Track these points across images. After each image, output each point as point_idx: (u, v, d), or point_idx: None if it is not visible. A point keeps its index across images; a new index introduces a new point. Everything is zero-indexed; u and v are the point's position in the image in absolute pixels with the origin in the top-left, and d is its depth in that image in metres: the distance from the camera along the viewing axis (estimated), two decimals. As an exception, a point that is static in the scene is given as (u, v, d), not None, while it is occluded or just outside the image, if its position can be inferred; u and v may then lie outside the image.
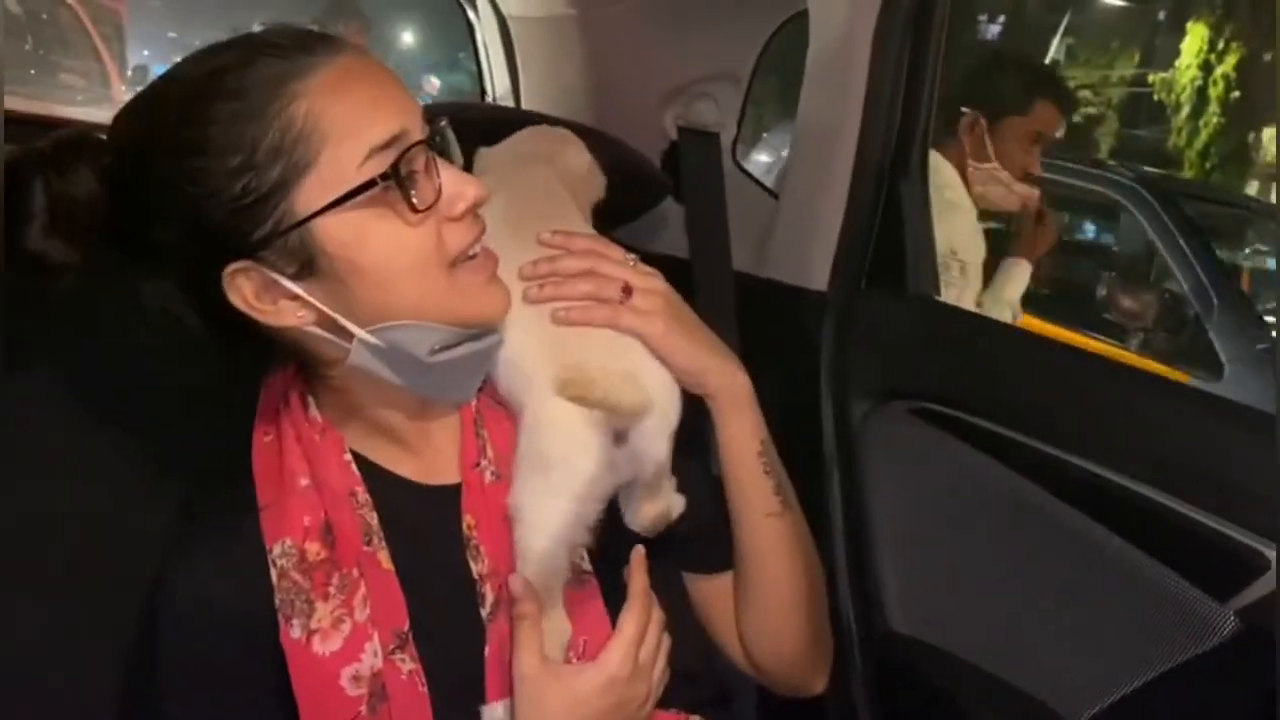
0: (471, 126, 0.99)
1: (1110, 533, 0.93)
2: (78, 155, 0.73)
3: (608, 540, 0.84)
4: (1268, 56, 14.64)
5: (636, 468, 0.83)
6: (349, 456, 0.82)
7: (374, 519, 0.81)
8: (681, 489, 0.90)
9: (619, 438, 0.81)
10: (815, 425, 1.23)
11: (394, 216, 0.72)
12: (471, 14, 1.73)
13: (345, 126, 0.70)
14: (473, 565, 0.82)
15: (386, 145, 0.71)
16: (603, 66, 1.51)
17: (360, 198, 0.70)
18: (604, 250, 0.87)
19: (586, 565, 0.84)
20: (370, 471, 0.83)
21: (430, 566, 0.82)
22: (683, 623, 0.93)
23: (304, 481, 0.81)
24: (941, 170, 1.96)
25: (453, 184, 0.75)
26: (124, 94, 4.99)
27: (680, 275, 0.93)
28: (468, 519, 0.83)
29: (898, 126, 1.20)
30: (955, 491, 1.09)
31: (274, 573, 0.78)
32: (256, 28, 0.77)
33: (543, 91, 1.64)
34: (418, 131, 0.74)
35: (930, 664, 1.10)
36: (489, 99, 1.74)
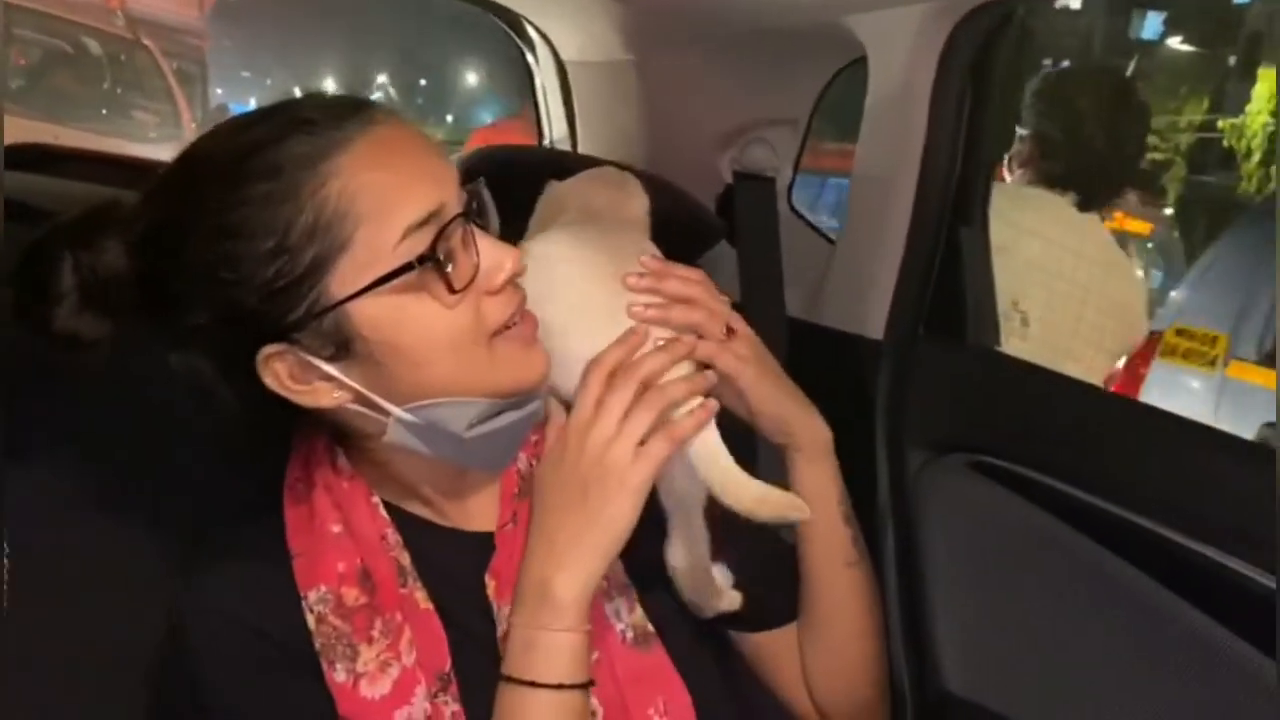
0: (529, 170, 1.00)
1: (1181, 600, 0.89)
2: (106, 229, 0.72)
3: (674, 614, 0.85)
4: (1343, 103, 14.35)
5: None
6: (377, 500, 0.81)
7: (405, 559, 0.80)
8: (751, 547, 0.90)
9: None
10: (869, 476, 1.20)
11: (431, 297, 0.70)
12: (531, 59, 1.75)
13: (380, 205, 0.68)
14: (498, 620, 0.81)
15: (423, 223, 0.69)
16: (660, 111, 1.51)
17: (397, 281, 0.68)
18: (709, 285, 0.86)
19: (650, 627, 0.83)
20: (400, 517, 0.82)
21: (464, 605, 0.81)
22: (737, 689, 0.93)
23: (336, 529, 0.80)
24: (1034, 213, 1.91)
25: (491, 256, 0.73)
26: (194, 131, 5.15)
27: (732, 321, 0.92)
28: (491, 583, 0.82)
29: (958, 173, 1.18)
30: (1014, 549, 1.06)
31: (311, 619, 0.76)
32: (328, 81, 0.77)
33: (599, 135, 1.65)
34: (455, 203, 0.72)
35: (988, 729, 1.06)
36: (546, 143, 1.76)
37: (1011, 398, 1.13)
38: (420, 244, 0.69)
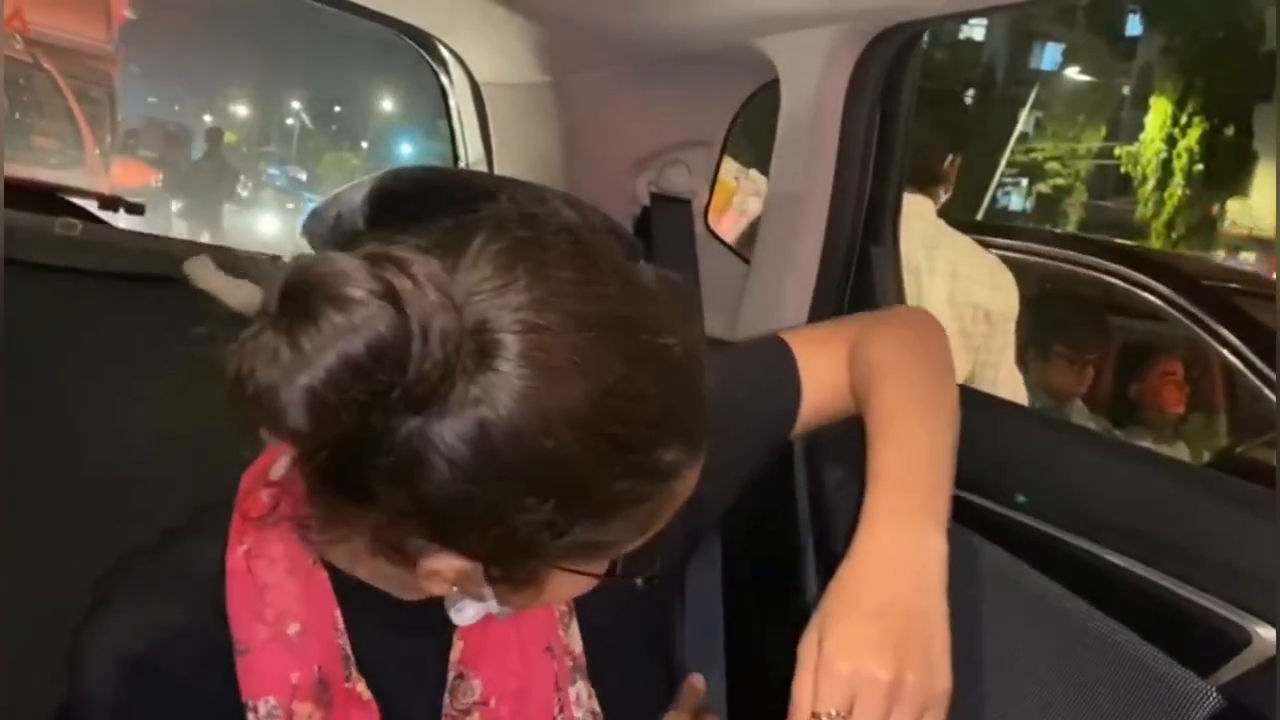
0: (449, 190, 0.98)
1: (1089, 606, 0.91)
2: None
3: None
4: (1229, 131, 15.10)
5: None
6: (324, 575, 0.70)
7: (347, 644, 0.70)
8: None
9: None
10: (790, 493, 1.21)
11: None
12: (445, 80, 1.74)
13: (640, 530, 0.64)
14: (448, 699, 0.73)
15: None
16: (576, 132, 1.51)
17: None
18: None
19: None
20: (354, 591, 0.70)
21: (413, 694, 0.73)
22: None
23: (294, 628, 0.67)
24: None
25: None
26: (96, 157, 5.01)
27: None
28: (459, 645, 0.73)
29: (868, 194, 1.21)
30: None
31: None
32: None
33: (515, 156, 1.64)
34: None
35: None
36: (462, 164, 1.74)
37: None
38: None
